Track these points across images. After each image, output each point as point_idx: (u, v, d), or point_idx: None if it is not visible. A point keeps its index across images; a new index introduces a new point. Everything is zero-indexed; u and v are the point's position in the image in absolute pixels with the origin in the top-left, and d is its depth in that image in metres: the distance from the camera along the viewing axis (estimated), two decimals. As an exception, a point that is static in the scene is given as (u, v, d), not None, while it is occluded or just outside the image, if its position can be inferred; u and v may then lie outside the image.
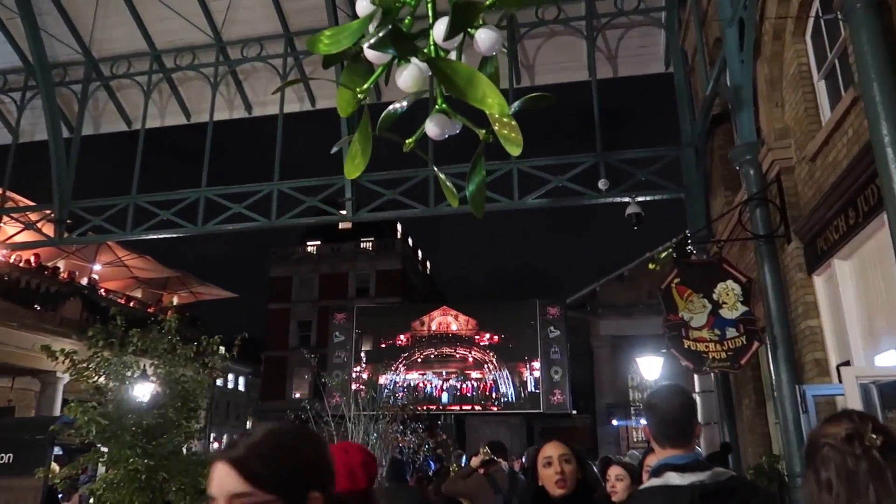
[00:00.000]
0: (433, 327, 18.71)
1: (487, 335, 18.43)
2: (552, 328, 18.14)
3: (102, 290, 18.51)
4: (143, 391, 8.45)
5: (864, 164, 4.89)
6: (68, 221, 12.49)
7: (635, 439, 30.14)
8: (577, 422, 33.42)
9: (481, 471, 4.98)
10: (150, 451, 7.84)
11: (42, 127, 13.11)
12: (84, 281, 17.35)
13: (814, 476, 1.35)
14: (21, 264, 15.66)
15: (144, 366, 8.32)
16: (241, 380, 56.41)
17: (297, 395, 41.70)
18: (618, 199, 10.52)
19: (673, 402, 2.06)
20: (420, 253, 55.63)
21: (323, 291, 44.90)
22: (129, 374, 8.22)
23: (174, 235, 11.93)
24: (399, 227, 52.06)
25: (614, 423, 28.70)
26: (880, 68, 4.32)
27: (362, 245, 47.24)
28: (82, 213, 12.39)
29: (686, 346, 6.51)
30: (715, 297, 6.61)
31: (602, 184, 10.51)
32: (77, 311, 15.12)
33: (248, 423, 49.77)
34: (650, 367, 13.26)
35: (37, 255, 16.13)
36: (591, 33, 11.30)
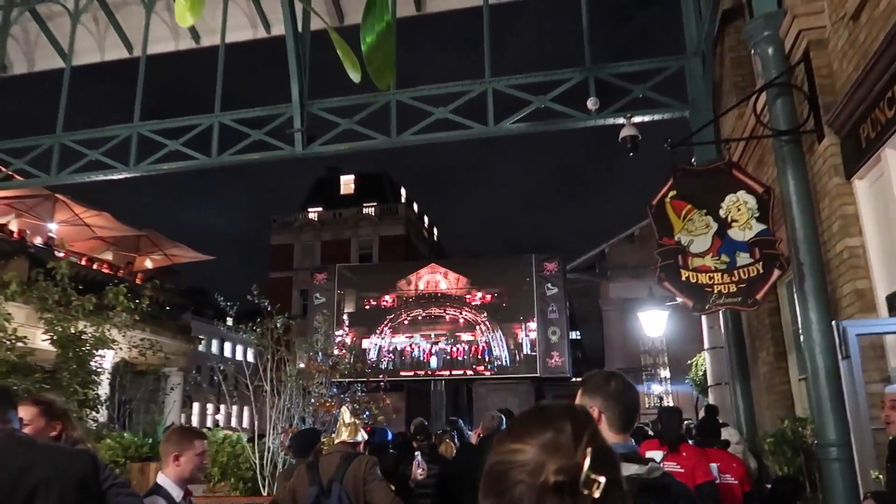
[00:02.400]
0: (420, 286, 17.21)
1: (479, 294, 16.90)
2: (549, 285, 16.59)
3: (62, 252, 17.20)
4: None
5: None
6: (-10, 166, 11.08)
7: (647, 405, 28.81)
8: (588, 387, 32.07)
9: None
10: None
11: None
12: (38, 241, 16.04)
13: None
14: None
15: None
16: (250, 351, 55.81)
17: (301, 365, 40.95)
18: (610, 121, 8.86)
19: (631, 391, 2.08)
20: (427, 219, 54.29)
21: (325, 258, 43.67)
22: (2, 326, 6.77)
23: (104, 178, 10.46)
24: (403, 191, 50.74)
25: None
26: None
27: (365, 210, 46.14)
28: (4, 157, 10.97)
29: (684, 278, 4.95)
30: (722, 213, 5.01)
31: (591, 103, 8.84)
32: (23, 271, 13.78)
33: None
34: (653, 323, 11.71)
35: (66, 253, 14.82)
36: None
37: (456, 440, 7.31)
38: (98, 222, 16.80)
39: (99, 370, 6.96)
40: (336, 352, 16.51)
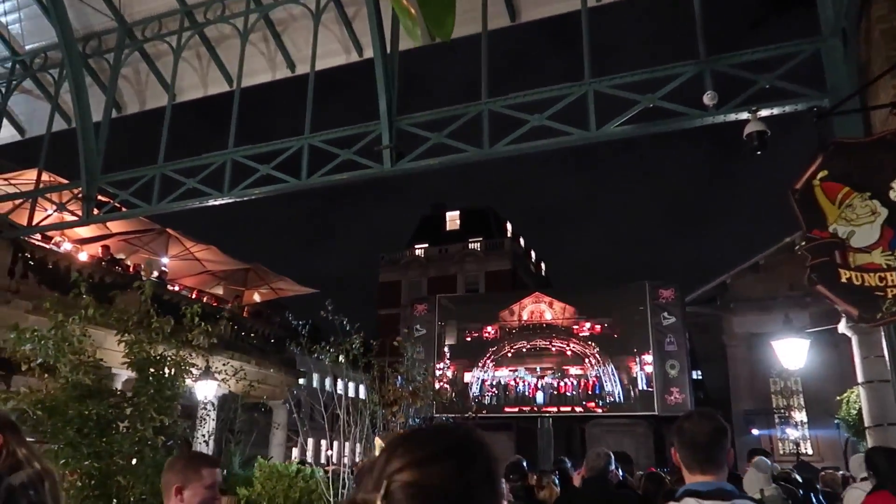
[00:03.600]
0: (524, 317, 16.25)
1: (588, 324, 15.71)
2: (665, 314, 15.15)
3: (176, 286, 17.77)
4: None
5: None
6: (100, 199, 11.45)
7: (781, 451, 26.04)
8: (713, 432, 29.45)
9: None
10: (100, 451, 6.08)
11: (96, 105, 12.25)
12: (154, 275, 16.61)
13: None
14: (86, 259, 15.08)
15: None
16: (362, 387, 56.52)
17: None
18: (732, 117, 7.75)
19: (703, 427, 2.05)
20: (534, 254, 53.46)
21: (431, 294, 43.82)
22: (80, 349, 6.54)
23: (200, 205, 10.48)
24: (510, 226, 50.28)
25: (755, 432, 24.74)
26: None
27: (471, 246, 46.11)
28: (113, 190, 11.31)
29: (844, 280, 3.86)
30: (893, 195, 3.88)
31: (709, 97, 7.78)
32: (136, 303, 14.17)
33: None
34: (791, 353, 10.14)
35: (105, 248, 15.50)
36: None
37: (557, 483, 6.34)
38: (206, 256, 17.26)
39: (178, 394, 6.57)
40: (437, 385, 15.89)
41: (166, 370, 6.78)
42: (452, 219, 49.08)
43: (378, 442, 3.28)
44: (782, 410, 27.90)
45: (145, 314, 6.88)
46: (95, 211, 11.38)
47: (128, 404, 6.57)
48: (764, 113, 7.49)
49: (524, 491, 5.00)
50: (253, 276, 19.31)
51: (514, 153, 8.75)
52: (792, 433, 26.27)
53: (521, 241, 49.70)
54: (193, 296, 17.58)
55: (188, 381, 13.12)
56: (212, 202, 10.35)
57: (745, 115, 7.60)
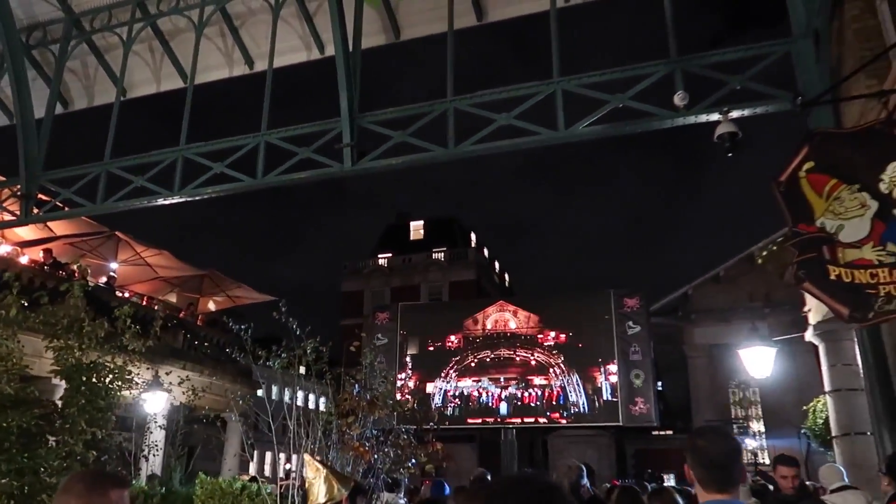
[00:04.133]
0: (488, 326, 15.92)
1: (553, 333, 15.44)
2: (631, 323, 14.97)
3: (126, 292, 16.96)
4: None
5: None
6: (42, 198, 10.76)
7: (743, 461, 26.22)
8: (674, 442, 29.54)
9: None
10: (23, 467, 5.50)
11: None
12: (102, 280, 15.82)
13: None
14: (27, 262, 14.24)
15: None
16: (323, 400, 55.42)
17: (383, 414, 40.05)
18: (703, 118, 7.57)
19: (721, 446, 2.03)
20: (497, 264, 53.34)
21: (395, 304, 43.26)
22: (5, 355, 5.97)
23: (148, 204, 9.90)
24: (473, 236, 50.12)
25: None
26: None
27: (434, 256, 45.77)
28: (56, 188, 10.63)
29: (833, 277, 3.61)
30: (883, 187, 3.70)
31: (679, 98, 7.59)
32: (79, 310, 13.40)
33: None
34: (758, 361, 10.00)
35: (47, 252, 14.68)
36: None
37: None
38: (159, 261, 16.53)
39: (113, 405, 6.02)
40: (398, 396, 15.41)
41: (100, 378, 6.23)
42: (416, 228, 48.68)
43: (307, 458, 2.89)
44: (741, 421, 28.16)
45: (76, 318, 6.32)
46: (35, 210, 10.68)
47: (58, 416, 6.00)
48: (735, 114, 7.31)
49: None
50: (208, 282, 18.60)
51: (480, 153, 8.43)
52: (750, 443, 26.50)
53: (486, 251, 49.53)
54: (143, 303, 16.80)
55: (133, 392, 12.49)
56: (161, 201, 9.78)
57: (715, 116, 7.40)
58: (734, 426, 27.51)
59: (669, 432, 31.80)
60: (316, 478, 2.80)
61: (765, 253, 24.07)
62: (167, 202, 9.76)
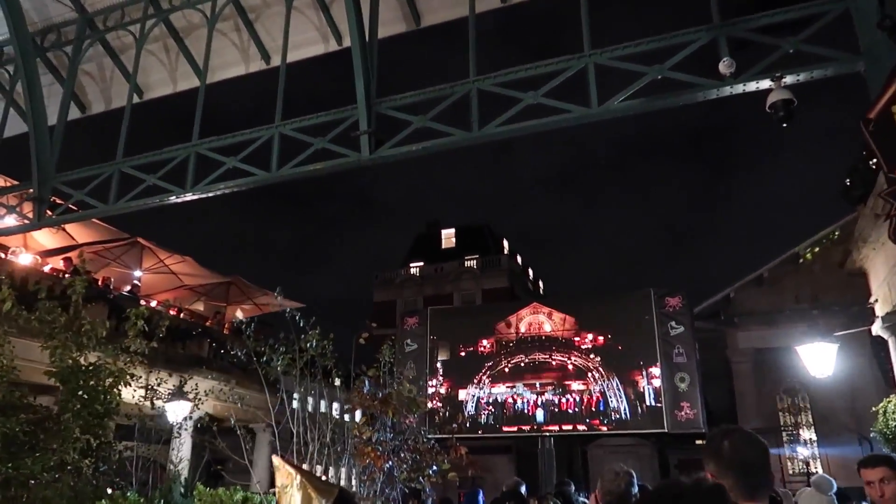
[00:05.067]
0: (522, 329, 15.19)
1: (590, 336, 14.64)
2: (673, 323, 14.10)
3: (155, 302, 16.70)
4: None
5: None
6: (55, 201, 10.46)
7: (791, 471, 24.88)
8: (718, 451, 28.29)
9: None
10: (9, 477, 5.01)
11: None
12: (126, 289, 15.57)
13: None
14: (47, 270, 14.04)
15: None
16: (357, 412, 55.00)
17: (408, 421, 39.59)
18: (753, 86, 6.83)
19: (752, 448, 1.85)
20: (531, 272, 52.49)
21: (427, 314, 42.66)
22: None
23: (161, 203, 9.50)
24: (506, 243, 49.38)
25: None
26: None
27: (466, 264, 45.09)
28: (69, 191, 10.32)
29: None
30: None
31: (725, 66, 6.87)
32: (103, 318, 13.12)
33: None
34: (819, 359, 9.13)
35: (67, 260, 14.47)
36: None
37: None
38: (182, 269, 16.24)
39: (112, 410, 5.52)
40: (429, 404, 14.77)
41: (100, 381, 5.73)
42: (448, 236, 48.08)
43: (276, 462, 2.35)
44: (790, 428, 26.86)
45: (75, 316, 5.86)
46: (49, 213, 10.39)
47: (52, 422, 5.51)
48: (789, 80, 6.59)
49: (522, 521, 3.96)
50: (235, 291, 18.27)
51: (506, 135, 7.80)
52: (802, 451, 25.17)
53: (518, 258, 48.69)
54: (171, 313, 16.51)
55: (157, 403, 12.08)
56: (174, 199, 9.37)
57: (767, 84, 6.71)
58: (783, 434, 26.25)
59: (714, 438, 30.66)
60: (288, 486, 2.23)
61: (809, 253, 22.93)
62: (180, 200, 9.35)
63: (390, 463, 5.50)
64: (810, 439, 25.73)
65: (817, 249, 23.19)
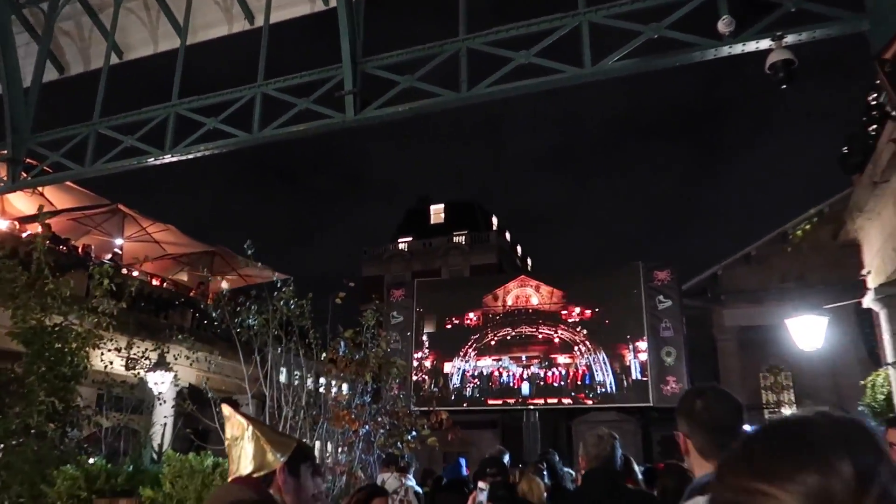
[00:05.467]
0: (509, 302, 15.04)
1: (577, 309, 14.51)
2: (661, 297, 13.99)
3: (136, 270, 16.36)
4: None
5: None
6: (28, 162, 10.10)
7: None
8: (702, 428, 28.55)
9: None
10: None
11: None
12: (107, 258, 15.22)
13: None
14: (26, 237, 13.66)
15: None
16: (344, 385, 55.04)
17: (393, 393, 39.61)
18: (752, 46, 6.61)
19: (725, 405, 1.80)
20: (520, 249, 52.42)
21: (415, 289, 42.53)
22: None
23: (138, 165, 9.17)
24: (495, 220, 49.20)
25: (746, 428, 23.78)
26: None
27: (455, 239, 44.94)
28: (45, 152, 9.97)
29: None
30: None
31: (724, 24, 6.62)
32: (82, 286, 12.85)
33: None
34: (809, 331, 9.03)
35: (45, 226, 14.07)
36: None
37: (546, 479, 5.18)
38: (166, 237, 15.89)
39: (79, 373, 5.27)
40: (414, 376, 14.63)
41: (66, 344, 5.48)
42: (437, 212, 47.83)
43: (226, 411, 2.16)
44: (772, 406, 27.18)
45: (38, 275, 5.58)
46: (24, 175, 10.03)
47: (16, 385, 5.26)
48: (790, 39, 6.36)
49: (505, 489, 3.80)
50: (219, 261, 17.93)
51: (496, 96, 7.53)
52: (785, 430, 25.54)
53: (507, 235, 48.57)
54: (153, 282, 16.21)
55: (140, 372, 11.85)
56: (152, 161, 9.05)
57: (767, 44, 6.48)
58: (765, 411, 26.59)
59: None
60: (239, 438, 2.02)
61: (799, 231, 22.93)
62: (158, 162, 9.04)
63: (367, 427, 5.31)
64: (792, 417, 26.04)
65: (808, 227, 23.22)
